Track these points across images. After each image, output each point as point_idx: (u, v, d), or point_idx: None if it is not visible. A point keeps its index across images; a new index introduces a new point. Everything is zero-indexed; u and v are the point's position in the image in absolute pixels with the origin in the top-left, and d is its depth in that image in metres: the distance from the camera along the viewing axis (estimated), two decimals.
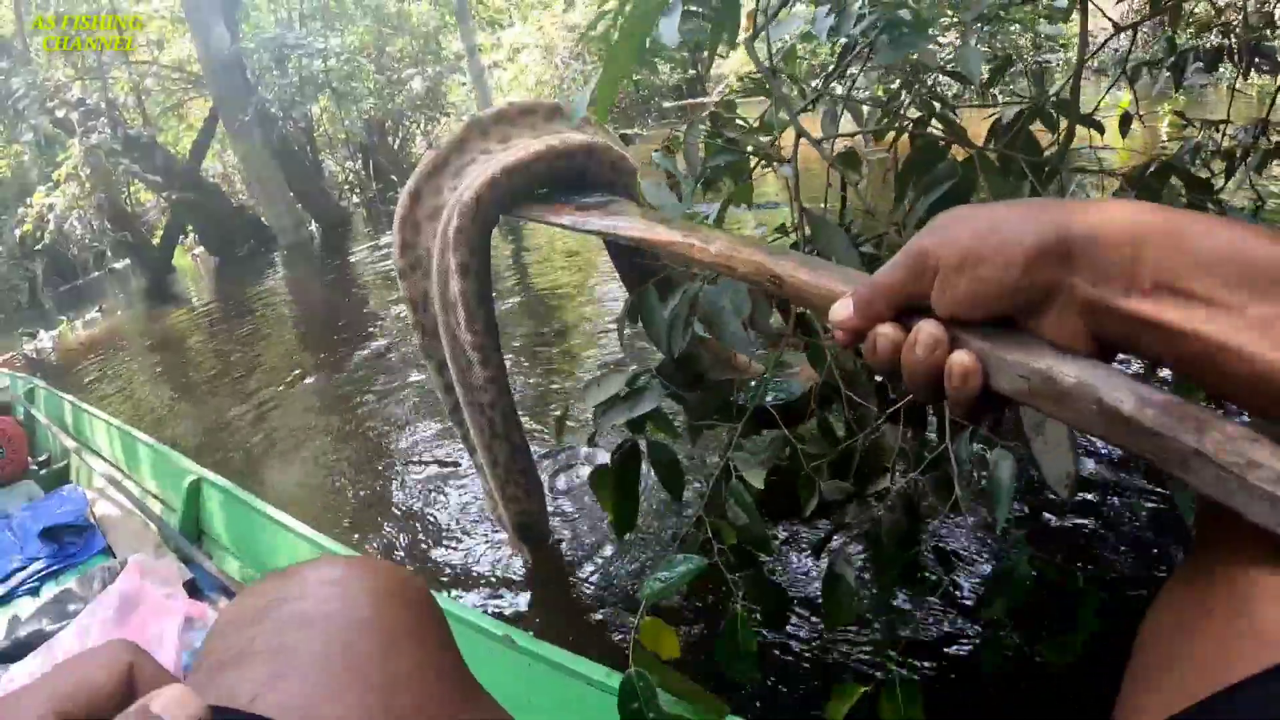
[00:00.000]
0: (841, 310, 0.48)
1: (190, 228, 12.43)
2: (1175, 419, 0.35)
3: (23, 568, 1.90)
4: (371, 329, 4.50)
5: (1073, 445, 0.88)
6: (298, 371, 3.99)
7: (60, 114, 9.75)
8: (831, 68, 1.67)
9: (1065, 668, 0.99)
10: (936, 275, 0.42)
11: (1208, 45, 2.20)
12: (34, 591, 1.84)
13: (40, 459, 2.83)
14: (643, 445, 1.19)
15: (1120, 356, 0.42)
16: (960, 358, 0.42)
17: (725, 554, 1.06)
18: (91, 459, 2.48)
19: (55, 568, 1.90)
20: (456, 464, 2.37)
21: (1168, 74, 2.00)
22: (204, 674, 0.42)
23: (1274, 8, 2.38)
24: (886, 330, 0.45)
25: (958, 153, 1.21)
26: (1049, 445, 0.88)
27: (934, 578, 1.14)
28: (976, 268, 0.40)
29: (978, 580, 1.45)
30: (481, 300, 1.30)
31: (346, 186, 15.26)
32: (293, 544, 1.59)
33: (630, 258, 1.50)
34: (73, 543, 1.96)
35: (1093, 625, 0.97)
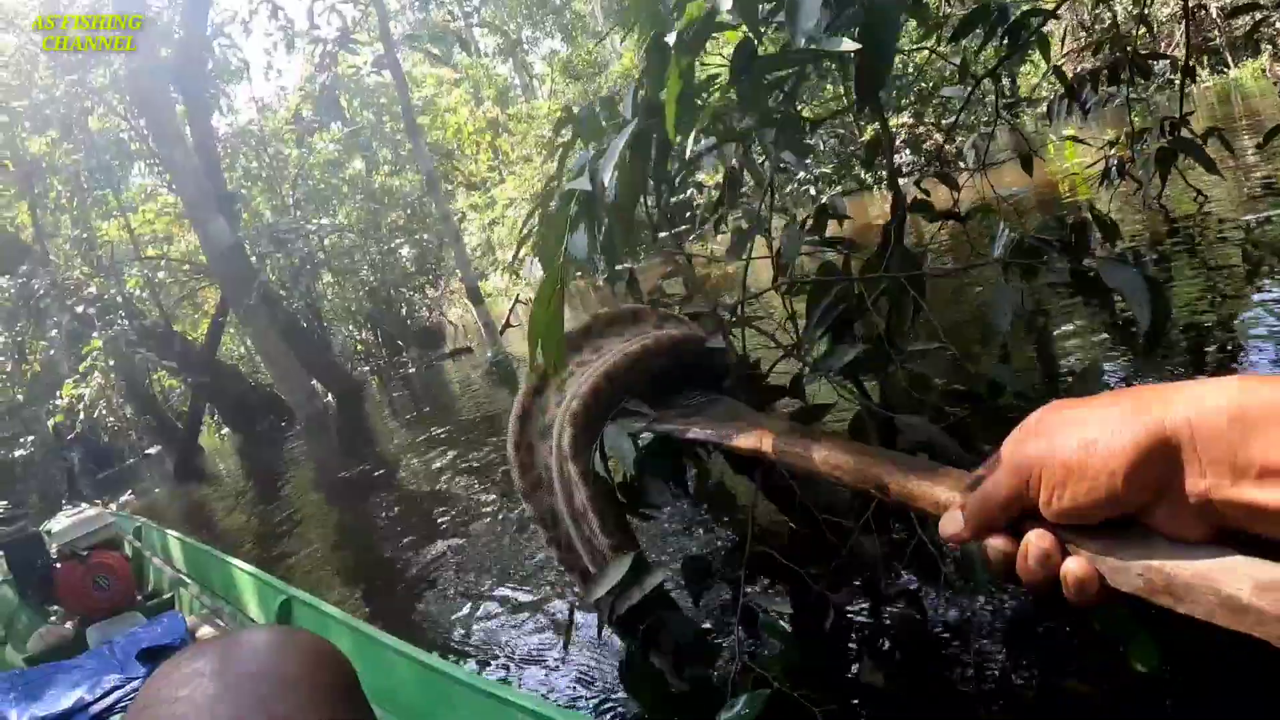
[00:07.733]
0: (951, 525, 0.49)
1: (213, 408, 12.56)
2: None
3: (120, 686, 1.93)
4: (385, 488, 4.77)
5: None
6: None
7: (79, 309, 9.98)
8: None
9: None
10: (1041, 484, 0.42)
11: (1102, 67, 2.33)
12: None
13: (148, 591, 3.00)
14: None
15: None
16: (1074, 567, 0.41)
17: (778, 680, 1.19)
18: (194, 586, 2.62)
19: None
20: None
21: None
22: None
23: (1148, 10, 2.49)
24: (997, 544, 0.45)
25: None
26: None
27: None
28: (1081, 480, 0.39)
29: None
30: (610, 502, 1.33)
31: (357, 356, 15.50)
32: (384, 657, 1.58)
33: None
34: None
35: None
